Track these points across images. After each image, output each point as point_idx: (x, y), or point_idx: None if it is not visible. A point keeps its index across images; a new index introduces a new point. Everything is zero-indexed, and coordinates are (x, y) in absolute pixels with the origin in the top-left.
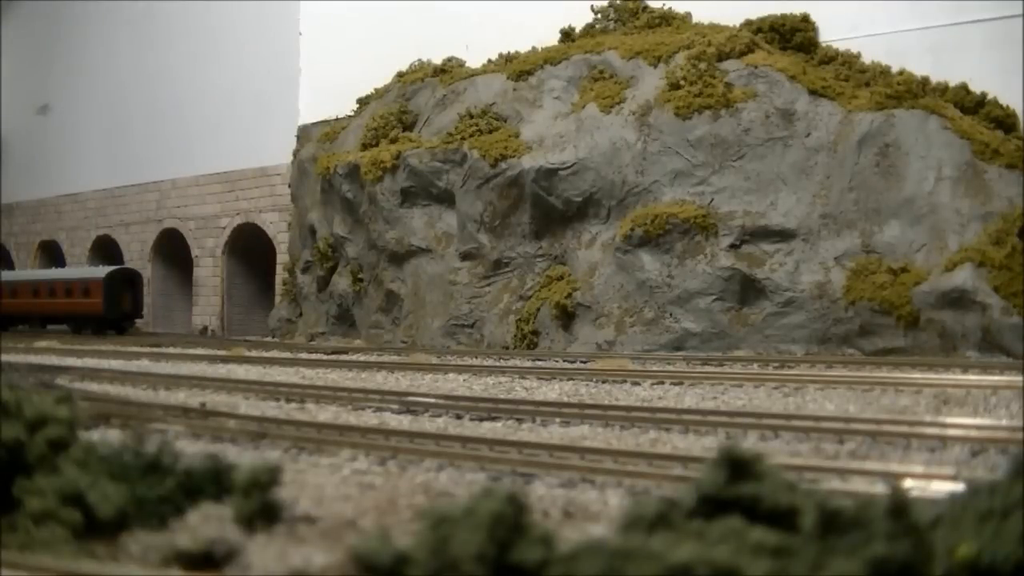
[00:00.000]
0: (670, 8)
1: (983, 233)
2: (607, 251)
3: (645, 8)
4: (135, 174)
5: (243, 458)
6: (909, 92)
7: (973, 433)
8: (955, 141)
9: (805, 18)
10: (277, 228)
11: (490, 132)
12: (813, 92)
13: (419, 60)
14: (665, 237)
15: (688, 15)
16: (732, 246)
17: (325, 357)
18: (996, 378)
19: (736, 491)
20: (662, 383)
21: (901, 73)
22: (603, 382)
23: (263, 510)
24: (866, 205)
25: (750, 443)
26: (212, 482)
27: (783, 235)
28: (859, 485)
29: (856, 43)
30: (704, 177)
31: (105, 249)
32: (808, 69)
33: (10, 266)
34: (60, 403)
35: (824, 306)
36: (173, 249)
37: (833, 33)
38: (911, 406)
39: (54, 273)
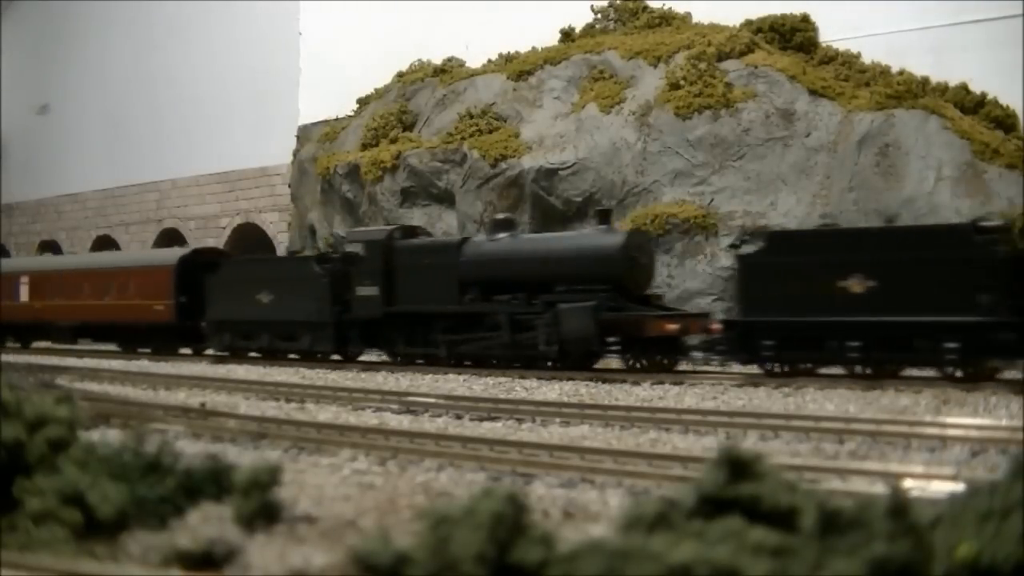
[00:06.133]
0: (670, 8)
1: None
2: None
3: (645, 8)
4: (135, 174)
5: (243, 458)
6: (909, 92)
7: (973, 433)
8: (955, 141)
9: (805, 18)
10: (277, 228)
11: (490, 132)
12: (813, 92)
13: (419, 60)
14: (665, 237)
15: (688, 15)
16: (732, 246)
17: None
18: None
19: (736, 491)
20: (662, 383)
21: (901, 73)
22: (603, 382)
23: (263, 510)
24: (866, 205)
25: (750, 443)
26: (212, 482)
27: None
28: (859, 485)
29: (856, 43)
30: (704, 177)
31: (105, 249)
32: (808, 69)
33: None
34: (60, 403)
35: None
36: None
37: (833, 33)
38: (911, 406)
39: None
